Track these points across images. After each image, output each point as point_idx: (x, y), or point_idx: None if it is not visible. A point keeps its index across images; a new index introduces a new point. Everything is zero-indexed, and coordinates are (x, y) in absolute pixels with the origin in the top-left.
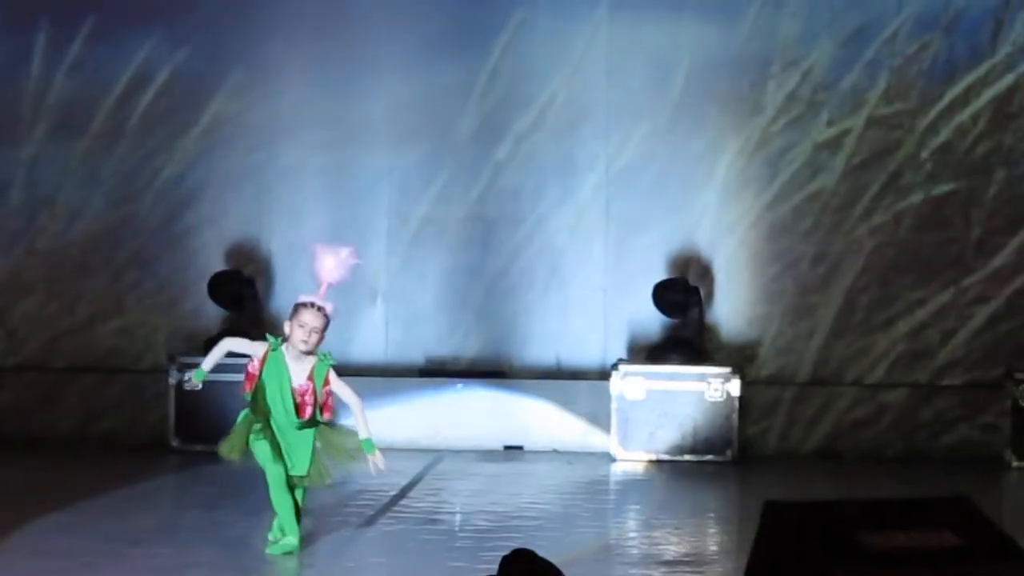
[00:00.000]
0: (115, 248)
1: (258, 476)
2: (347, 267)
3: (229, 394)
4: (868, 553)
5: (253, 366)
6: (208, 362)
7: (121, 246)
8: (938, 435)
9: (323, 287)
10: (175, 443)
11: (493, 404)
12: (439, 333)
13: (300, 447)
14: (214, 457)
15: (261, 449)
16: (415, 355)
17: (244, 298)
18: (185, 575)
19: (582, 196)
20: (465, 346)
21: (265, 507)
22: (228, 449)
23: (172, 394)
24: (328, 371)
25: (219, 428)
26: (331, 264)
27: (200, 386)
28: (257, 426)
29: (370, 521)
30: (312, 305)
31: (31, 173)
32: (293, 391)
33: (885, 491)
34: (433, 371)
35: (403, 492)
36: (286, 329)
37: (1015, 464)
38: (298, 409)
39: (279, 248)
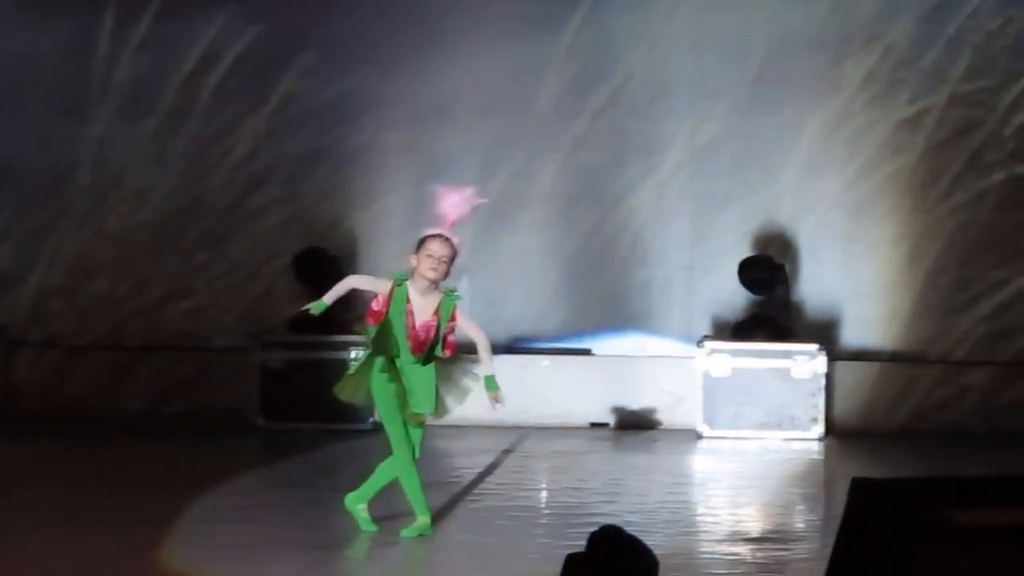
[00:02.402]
0: (185, 229)
1: (344, 455)
2: (470, 204)
3: (317, 373)
4: (955, 530)
5: (378, 302)
6: (330, 296)
7: (191, 226)
8: (1021, 415)
9: (448, 223)
10: (261, 422)
11: (579, 381)
12: (523, 311)
13: (422, 384)
14: (300, 436)
15: (385, 405)
16: (500, 333)
17: (329, 276)
18: (267, 552)
19: (663, 173)
20: (549, 324)
21: (350, 485)
22: (349, 392)
23: (258, 373)
24: (454, 307)
25: (307, 406)
26: (455, 200)
27: (317, 314)
28: (380, 367)
29: (456, 499)
30: (439, 235)
31: (100, 153)
32: (414, 328)
33: (970, 469)
34: (518, 349)
35: (489, 469)
36: (411, 263)
37: None
38: (415, 344)
39: (359, 226)
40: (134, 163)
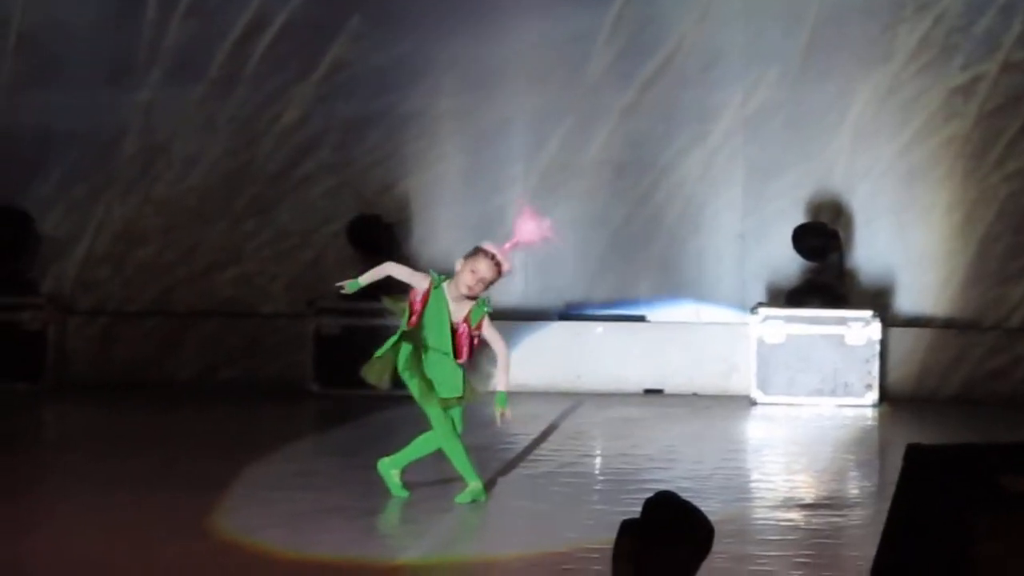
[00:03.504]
0: (233, 196)
1: (398, 422)
2: (543, 237)
3: (370, 340)
4: (1010, 496)
5: (416, 298)
6: (366, 278)
7: (239, 193)
8: None
9: (512, 243)
10: (314, 388)
11: (633, 348)
12: (577, 277)
13: (448, 371)
14: (354, 402)
15: (418, 388)
16: (553, 299)
17: (382, 243)
18: (323, 520)
19: (714, 141)
20: (601, 292)
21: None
22: (375, 375)
23: (311, 339)
24: (483, 316)
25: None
26: (531, 227)
27: (350, 293)
28: (405, 362)
29: (511, 465)
30: (492, 256)
31: (147, 120)
32: (453, 328)
33: None
34: (573, 316)
35: (543, 436)
36: (456, 266)
37: None
38: (455, 348)
39: (410, 193)
40: (182, 130)
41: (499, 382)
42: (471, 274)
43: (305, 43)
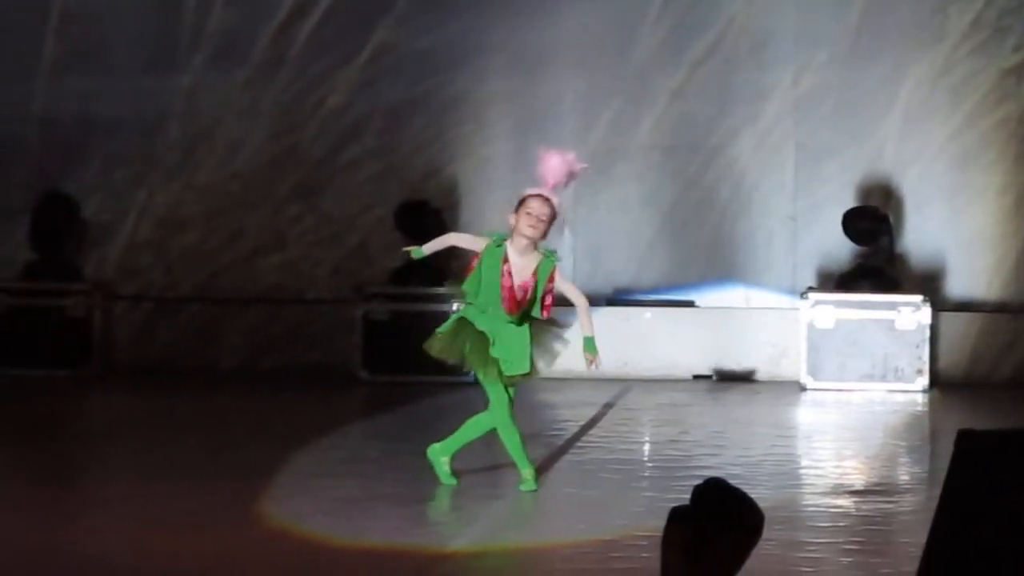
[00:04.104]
0: (276, 181)
1: (447, 408)
2: (573, 169)
3: (418, 325)
4: None
5: (475, 257)
6: (429, 246)
7: (282, 179)
8: None
9: (547, 186)
10: (363, 375)
11: (682, 333)
12: (624, 262)
13: (516, 345)
14: (403, 389)
15: (482, 366)
16: (603, 285)
17: (429, 228)
18: (371, 507)
19: (763, 123)
20: (651, 275)
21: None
22: (438, 349)
23: (359, 325)
24: (553, 268)
25: (410, 359)
26: (556, 163)
27: (415, 259)
28: (470, 333)
29: (560, 451)
30: (539, 195)
31: (190, 104)
32: (511, 288)
33: None
34: (621, 301)
35: (592, 422)
36: (510, 221)
37: None
38: (511, 305)
39: (456, 177)
40: (225, 115)
41: (584, 328)
42: (527, 215)
43: (350, 26)
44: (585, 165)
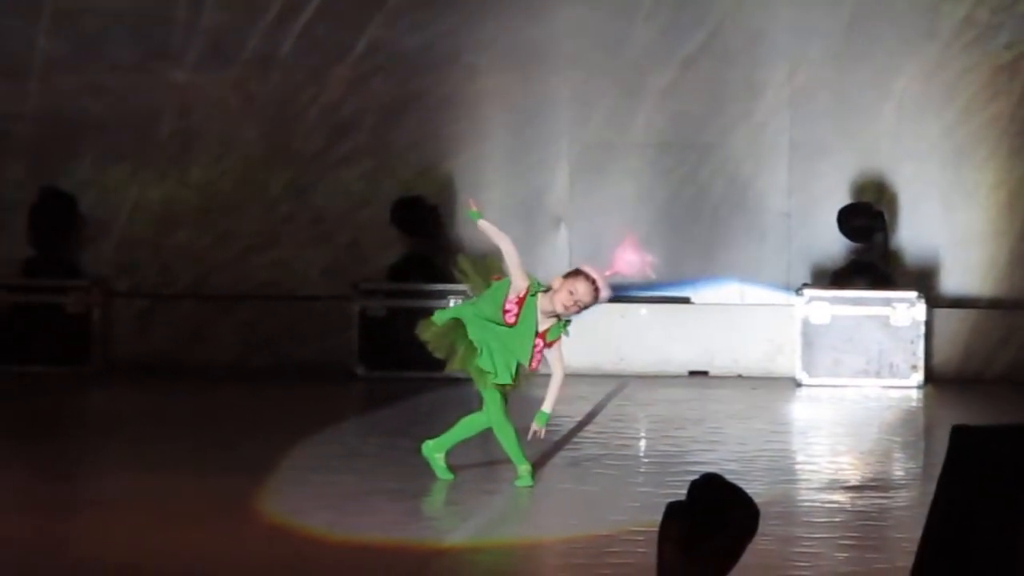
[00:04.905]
0: (269, 179)
1: (444, 404)
2: (641, 270)
3: (415, 322)
4: None
5: (512, 298)
6: (487, 225)
7: (275, 176)
8: None
9: (611, 271)
10: (360, 371)
11: (677, 329)
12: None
13: (503, 356)
14: (399, 384)
15: (476, 372)
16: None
17: (427, 224)
18: (368, 502)
19: (757, 120)
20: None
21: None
22: (429, 336)
23: (356, 321)
24: (559, 337)
25: (406, 356)
26: (632, 259)
27: (471, 217)
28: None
29: (555, 447)
30: (593, 281)
31: (182, 101)
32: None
33: None
34: (617, 297)
35: (587, 418)
36: (554, 284)
37: None
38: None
39: (451, 175)
40: (217, 112)
41: (546, 403)
42: (569, 295)
43: (342, 23)
44: (653, 275)
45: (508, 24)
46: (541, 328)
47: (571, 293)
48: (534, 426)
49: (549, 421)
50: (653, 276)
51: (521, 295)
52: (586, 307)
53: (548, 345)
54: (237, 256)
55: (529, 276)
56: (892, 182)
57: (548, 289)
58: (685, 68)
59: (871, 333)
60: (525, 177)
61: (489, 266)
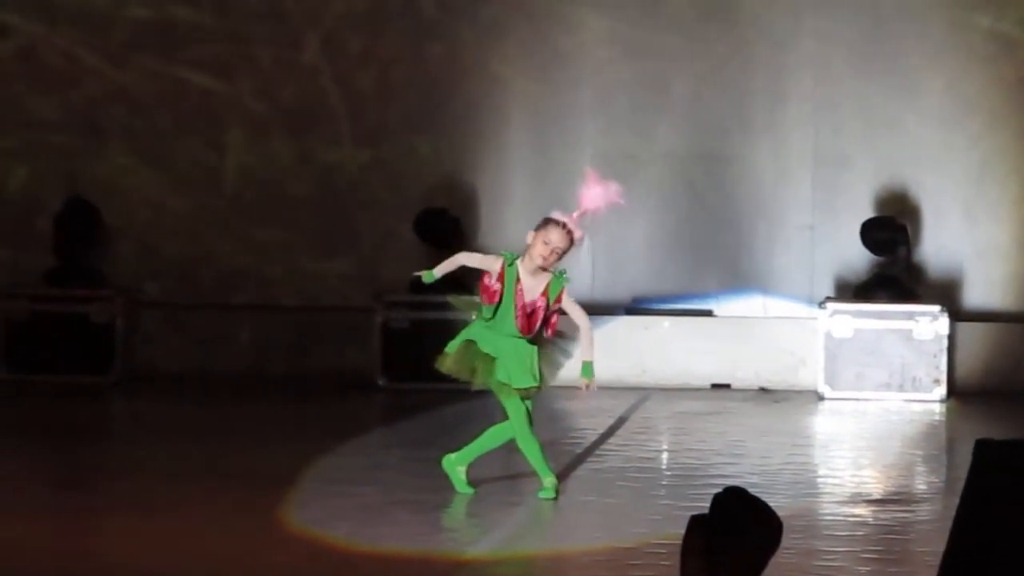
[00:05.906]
0: (292, 188)
1: (467, 416)
2: (611, 201)
3: (438, 333)
4: None
5: (491, 280)
6: (439, 269)
7: (298, 186)
8: None
9: (580, 211)
10: (381, 382)
11: (700, 342)
12: (645, 271)
13: (520, 360)
14: (422, 396)
15: (494, 383)
16: (621, 293)
17: (450, 236)
18: (390, 513)
19: (782, 131)
20: (669, 283)
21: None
22: (448, 367)
23: (378, 332)
24: (562, 289)
25: (429, 367)
26: (597, 192)
27: (427, 284)
28: (478, 353)
29: (578, 460)
30: (563, 225)
31: (202, 108)
32: (523, 307)
33: None
34: (639, 310)
35: (610, 431)
36: (527, 239)
37: None
38: (524, 324)
39: (475, 185)
40: (242, 120)
41: (583, 352)
42: (543, 245)
43: (366, 31)
44: (622, 201)
45: (531, 32)
46: (537, 291)
47: (545, 243)
48: (583, 380)
49: (594, 370)
50: (622, 202)
51: (500, 270)
52: (565, 252)
53: (557, 303)
54: (260, 265)
55: (501, 253)
56: (915, 195)
57: (524, 252)
58: (709, 78)
59: (894, 346)
60: (548, 187)
61: (477, 295)
